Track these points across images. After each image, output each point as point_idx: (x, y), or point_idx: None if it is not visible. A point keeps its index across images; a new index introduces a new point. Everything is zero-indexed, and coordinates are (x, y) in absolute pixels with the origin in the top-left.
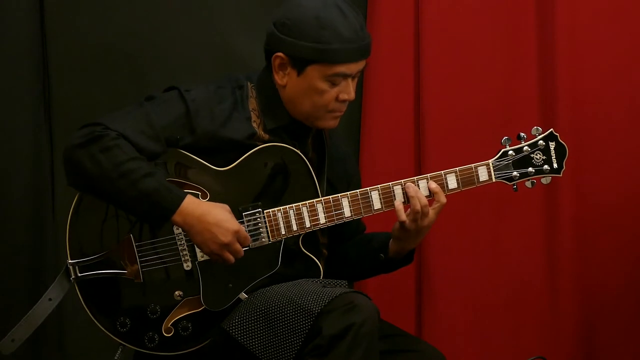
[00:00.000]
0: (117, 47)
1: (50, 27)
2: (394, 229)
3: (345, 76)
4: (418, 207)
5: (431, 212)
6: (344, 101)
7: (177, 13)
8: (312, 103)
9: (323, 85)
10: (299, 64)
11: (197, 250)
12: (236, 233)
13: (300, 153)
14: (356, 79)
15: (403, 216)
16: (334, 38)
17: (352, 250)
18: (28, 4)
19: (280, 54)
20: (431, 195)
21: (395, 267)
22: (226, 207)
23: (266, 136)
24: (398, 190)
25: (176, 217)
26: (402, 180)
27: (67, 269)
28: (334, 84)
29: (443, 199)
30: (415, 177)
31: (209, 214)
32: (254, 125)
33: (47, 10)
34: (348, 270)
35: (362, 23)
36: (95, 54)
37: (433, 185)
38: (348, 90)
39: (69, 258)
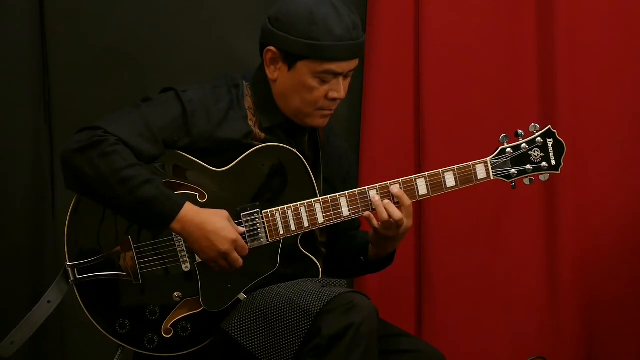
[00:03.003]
0: (117, 48)
1: (51, 27)
2: (370, 234)
3: (335, 74)
4: (385, 216)
5: (402, 216)
6: (333, 99)
7: (177, 14)
8: (301, 99)
9: (312, 82)
10: (290, 59)
11: None
12: (234, 242)
13: (297, 153)
14: (348, 78)
15: (374, 223)
16: (325, 35)
17: (340, 248)
18: (28, 4)
19: (271, 47)
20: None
21: (377, 269)
22: (225, 214)
23: (262, 135)
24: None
25: (175, 225)
26: (376, 185)
27: (66, 271)
28: (323, 82)
29: (407, 202)
30: (413, 176)
31: (207, 221)
32: (250, 123)
33: (47, 11)
34: (337, 267)
35: (357, 22)
36: (95, 55)
37: (395, 190)
38: (338, 89)
39: (67, 260)
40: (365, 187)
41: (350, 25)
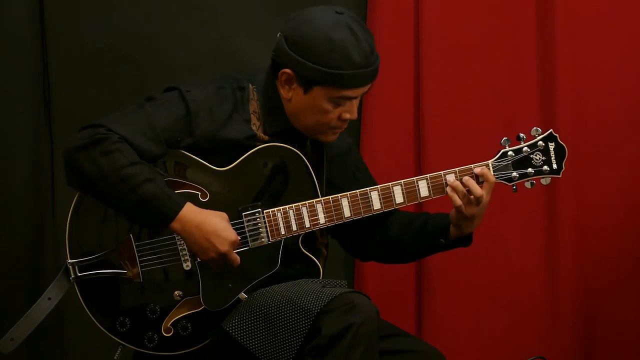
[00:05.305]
0: (117, 48)
1: (51, 27)
2: (451, 214)
3: (351, 98)
4: (459, 202)
5: (483, 193)
6: (345, 120)
7: (178, 13)
8: (315, 120)
9: (328, 106)
10: (306, 83)
11: None
12: (234, 243)
13: (299, 153)
14: (359, 98)
15: (457, 201)
16: (344, 63)
17: (406, 234)
18: (28, 4)
19: (288, 70)
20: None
21: (452, 248)
22: (224, 215)
23: (266, 138)
24: (397, 190)
25: (175, 224)
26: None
27: (67, 269)
28: (338, 105)
29: (492, 179)
30: (414, 178)
31: (207, 222)
32: (254, 127)
33: (47, 11)
34: (402, 253)
35: (372, 44)
36: (95, 54)
37: (478, 169)
38: (351, 110)
39: (68, 257)
40: (367, 189)
41: (368, 51)
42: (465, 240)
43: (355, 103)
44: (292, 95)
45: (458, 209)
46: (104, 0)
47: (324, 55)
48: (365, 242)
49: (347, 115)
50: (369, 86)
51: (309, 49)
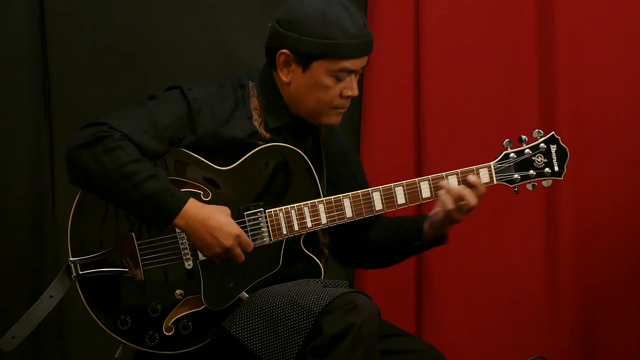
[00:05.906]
0: (117, 48)
1: (51, 27)
2: (436, 217)
3: (349, 72)
4: (451, 206)
5: (476, 203)
6: (347, 97)
7: (178, 13)
8: (316, 99)
9: (328, 81)
10: (305, 60)
11: None
12: (237, 237)
13: (302, 153)
14: (358, 75)
15: (449, 206)
16: (339, 33)
17: (384, 238)
18: (28, 4)
19: (285, 50)
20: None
21: (426, 249)
22: (227, 210)
23: (268, 135)
24: (399, 191)
25: (178, 220)
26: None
27: (68, 267)
28: (338, 80)
29: (483, 190)
30: (416, 179)
31: (211, 217)
32: (255, 124)
33: (47, 11)
34: (379, 257)
35: (365, 20)
36: (95, 54)
37: (472, 178)
38: (352, 86)
39: (70, 255)
40: (369, 189)
41: (361, 23)
42: (440, 240)
43: (354, 79)
44: (291, 78)
45: (447, 212)
46: (104, 0)
47: (319, 29)
48: (349, 243)
49: (349, 92)
50: (365, 59)
51: (303, 24)
